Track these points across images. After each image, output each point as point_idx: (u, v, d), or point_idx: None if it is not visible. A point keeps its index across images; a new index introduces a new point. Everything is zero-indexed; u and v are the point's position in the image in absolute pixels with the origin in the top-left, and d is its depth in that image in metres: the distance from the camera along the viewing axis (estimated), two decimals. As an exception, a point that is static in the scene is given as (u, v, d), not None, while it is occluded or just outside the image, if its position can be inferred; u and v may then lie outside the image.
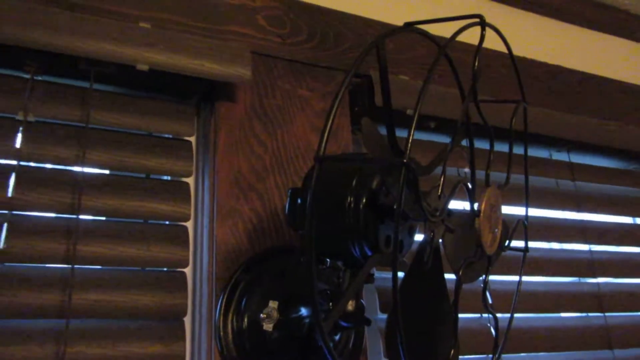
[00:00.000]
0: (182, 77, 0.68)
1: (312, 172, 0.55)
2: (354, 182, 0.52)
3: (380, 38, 0.47)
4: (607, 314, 0.96)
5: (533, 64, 1.10)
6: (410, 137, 0.37)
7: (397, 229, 0.37)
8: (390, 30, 0.48)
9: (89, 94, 0.66)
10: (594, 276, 0.98)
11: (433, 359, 0.46)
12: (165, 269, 0.67)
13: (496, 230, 0.51)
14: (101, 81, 0.68)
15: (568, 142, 1.02)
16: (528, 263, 0.92)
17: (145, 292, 0.63)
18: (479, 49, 0.48)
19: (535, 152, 1.05)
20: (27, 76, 0.64)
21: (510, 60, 0.55)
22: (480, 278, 0.53)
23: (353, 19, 0.90)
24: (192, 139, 0.74)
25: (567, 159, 1.06)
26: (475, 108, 0.53)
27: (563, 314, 0.96)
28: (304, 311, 0.59)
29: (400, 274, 0.46)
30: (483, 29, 0.49)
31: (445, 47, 0.44)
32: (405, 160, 0.36)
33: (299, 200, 0.56)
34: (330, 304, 0.55)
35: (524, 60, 1.09)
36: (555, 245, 1.03)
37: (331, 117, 0.40)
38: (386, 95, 0.51)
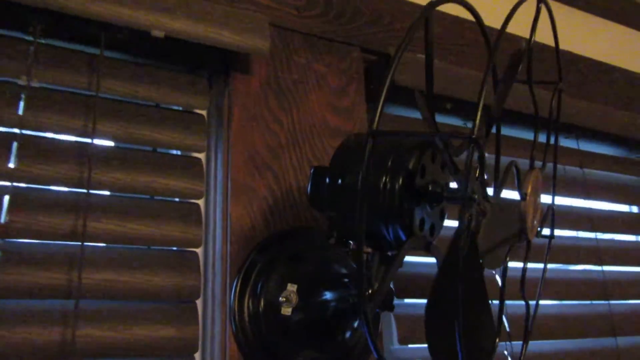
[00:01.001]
0: (197, 46, 0.64)
1: (348, 148, 0.52)
2: (389, 162, 0.49)
3: (429, 7, 0.44)
4: (611, 301, 0.96)
5: (544, 48, 1.08)
6: (479, 113, 0.34)
7: (472, 209, 0.35)
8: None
9: (99, 60, 0.61)
10: (600, 264, 0.98)
11: (478, 349, 0.44)
12: (176, 249, 0.63)
13: (536, 215, 0.49)
14: (111, 47, 0.63)
15: (577, 128, 1.01)
16: (535, 250, 0.91)
17: (156, 273, 0.60)
18: (534, 25, 0.45)
19: (543, 137, 1.03)
20: (31, 38, 0.60)
21: (555, 43, 0.52)
22: (518, 265, 0.52)
23: (370, -7, 0.86)
24: (204, 113, 0.71)
25: (576, 146, 1.05)
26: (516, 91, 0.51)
27: (568, 302, 0.96)
28: (328, 295, 0.57)
29: (431, 261, 0.44)
30: (540, 2, 0.46)
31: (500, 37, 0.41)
32: (473, 136, 0.33)
33: (327, 179, 0.53)
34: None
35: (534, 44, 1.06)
36: (561, 233, 1.02)
37: (385, 87, 0.37)
38: (429, 73, 0.49)
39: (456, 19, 0.94)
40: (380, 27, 0.84)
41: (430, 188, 0.50)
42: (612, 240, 1.03)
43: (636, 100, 1.16)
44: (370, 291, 0.53)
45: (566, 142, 1.06)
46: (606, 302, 0.96)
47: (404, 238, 0.50)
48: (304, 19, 0.78)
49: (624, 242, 1.05)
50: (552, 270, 0.95)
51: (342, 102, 0.77)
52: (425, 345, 0.39)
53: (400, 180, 0.48)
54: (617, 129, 1.03)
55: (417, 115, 0.86)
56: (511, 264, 0.90)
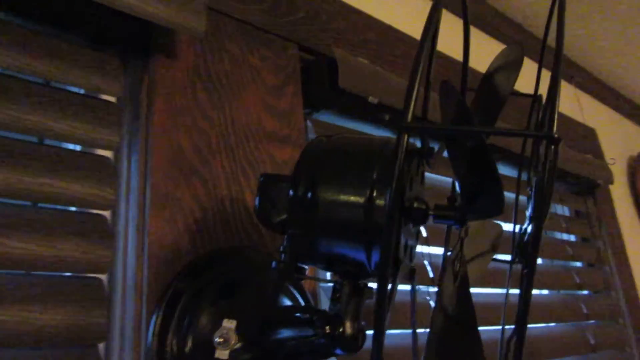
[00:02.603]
0: (110, 13, 0.50)
1: (318, 154, 0.42)
2: (374, 172, 0.40)
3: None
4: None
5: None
6: (557, 109, 0.27)
7: (541, 217, 0.27)
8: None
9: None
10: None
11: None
12: (74, 275, 0.48)
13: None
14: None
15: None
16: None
17: (47, 308, 0.44)
18: (551, 12, 0.39)
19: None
20: None
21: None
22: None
23: (306, -14, 0.77)
24: (114, 100, 0.56)
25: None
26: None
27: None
28: (278, 334, 0.46)
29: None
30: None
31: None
32: (555, 135, 0.26)
33: (291, 192, 0.43)
34: (327, 327, 0.43)
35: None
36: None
37: (418, 73, 0.29)
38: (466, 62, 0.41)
39: (389, 28, 0.89)
40: (317, 25, 0.76)
41: (415, 205, 0.42)
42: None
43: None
44: (341, 329, 0.44)
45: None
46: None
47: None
48: (238, 3, 0.67)
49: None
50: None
51: (279, 104, 0.67)
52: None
53: (387, 195, 0.40)
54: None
55: (360, 126, 0.79)
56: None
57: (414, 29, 0.95)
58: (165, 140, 0.54)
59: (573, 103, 1.41)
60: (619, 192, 1.44)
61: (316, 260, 0.44)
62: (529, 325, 0.86)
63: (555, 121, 0.26)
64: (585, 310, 1.06)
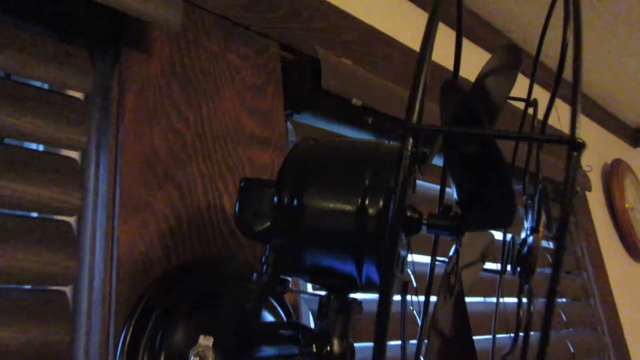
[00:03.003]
0: (79, 3, 0.46)
1: (305, 158, 0.39)
2: (367, 178, 0.37)
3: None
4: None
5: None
6: (578, 111, 0.24)
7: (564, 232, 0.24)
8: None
9: None
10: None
11: None
12: (35, 288, 0.44)
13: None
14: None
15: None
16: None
17: (2, 325, 0.40)
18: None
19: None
20: None
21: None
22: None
23: (288, -17, 0.74)
24: (81, 96, 0.52)
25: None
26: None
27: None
28: (260, 352, 0.43)
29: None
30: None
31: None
32: (579, 140, 0.23)
33: (275, 198, 0.39)
34: (314, 345, 0.39)
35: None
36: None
37: (423, 72, 0.26)
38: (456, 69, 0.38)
39: (371, 28, 0.87)
40: (298, 22, 0.73)
41: (408, 213, 0.39)
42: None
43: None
44: (328, 348, 0.41)
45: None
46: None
47: (376, 279, 0.38)
48: (216, -3, 0.63)
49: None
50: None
51: (259, 104, 0.63)
52: None
53: (381, 203, 0.37)
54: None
55: (342, 128, 0.76)
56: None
57: (395, 30, 0.93)
58: (137, 141, 0.50)
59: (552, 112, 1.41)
60: (594, 199, 1.45)
61: (301, 272, 0.40)
62: (506, 335, 0.84)
63: (578, 125, 0.24)
64: (564, 318, 1.06)
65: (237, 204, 0.44)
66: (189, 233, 0.51)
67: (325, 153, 0.40)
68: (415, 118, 0.26)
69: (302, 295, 0.60)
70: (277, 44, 0.69)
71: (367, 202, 0.36)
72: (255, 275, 0.42)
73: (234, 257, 0.53)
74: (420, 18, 1.05)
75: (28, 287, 0.44)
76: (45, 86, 0.50)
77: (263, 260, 0.43)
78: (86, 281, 0.46)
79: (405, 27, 0.98)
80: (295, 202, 0.38)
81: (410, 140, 0.25)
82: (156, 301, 0.46)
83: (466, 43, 1.18)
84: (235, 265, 0.52)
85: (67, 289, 0.45)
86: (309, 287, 0.64)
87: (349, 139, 0.43)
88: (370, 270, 0.38)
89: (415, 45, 0.96)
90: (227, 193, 0.56)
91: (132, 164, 0.49)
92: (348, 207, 0.37)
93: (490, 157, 0.29)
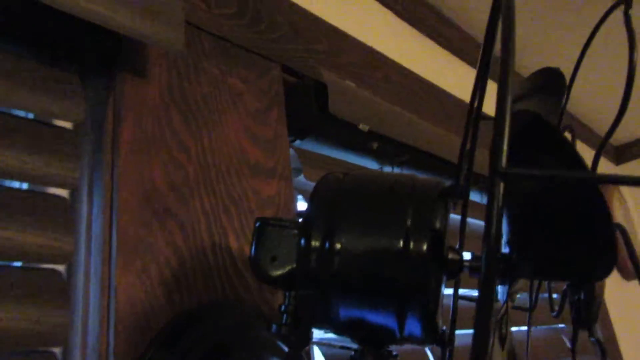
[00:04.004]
0: (68, 22, 0.41)
1: (337, 195, 0.35)
2: (408, 217, 0.33)
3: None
4: None
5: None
6: None
7: None
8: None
9: None
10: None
11: None
12: (22, 350, 0.38)
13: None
14: None
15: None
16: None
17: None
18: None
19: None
20: None
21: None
22: None
23: (287, 6, 0.71)
24: (70, 126, 0.46)
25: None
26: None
27: None
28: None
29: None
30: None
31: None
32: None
33: (302, 241, 0.35)
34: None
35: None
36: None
37: (507, 111, 0.22)
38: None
39: (371, 50, 0.84)
40: (299, 44, 0.69)
41: (450, 255, 0.35)
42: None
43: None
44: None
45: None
46: None
47: (418, 333, 0.34)
48: (215, 17, 0.59)
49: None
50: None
51: (263, 131, 0.59)
52: None
53: (425, 245, 0.32)
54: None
55: (346, 155, 0.72)
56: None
57: (391, 50, 0.90)
58: (134, 175, 0.45)
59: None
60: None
61: (332, 325, 0.36)
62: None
63: None
64: (569, 345, 1.02)
65: (253, 246, 0.39)
66: (194, 277, 0.46)
67: (357, 189, 0.35)
68: (504, 161, 0.22)
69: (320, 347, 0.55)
70: (279, 66, 0.65)
71: (411, 244, 0.32)
72: (274, 327, 0.37)
73: (242, 303, 0.48)
74: (416, 38, 1.02)
75: (21, 347, 0.38)
76: (31, 116, 0.44)
77: (283, 309, 0.38)
78: (78, 338, 0.40)
79: (402, 47, 0.95)
80: (327, 244, 0.34)
81: (502, 185, 0.21)
82: (161, 358, 0.40)
83: (447, 54, 1.16)
84: (244, 312, 0.47)
85: (57, 350, 0.39)
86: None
87: (377, 172, 0.39)
88: (413, 323, 0.33)
89: (413, 66, 0.93)
90: (232, 229, 0.51)
91: (130, 201, 0.44)
92: (389, 250, 0.33)
93: (584, 199, 0.25)
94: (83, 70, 0.47)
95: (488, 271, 0.21)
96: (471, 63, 1.16)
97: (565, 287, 0.39)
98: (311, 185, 0.65)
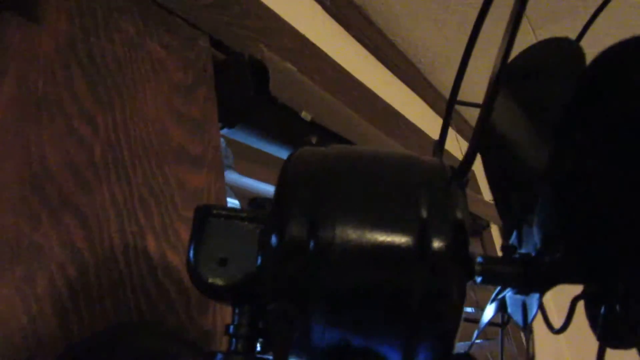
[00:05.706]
0: None
1: (314, 171, 0.26)
2: (423, 206, 0.25)
3: None
4: None
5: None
6: None
7: None
8: None
9: None
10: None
11: None
12: None
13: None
14: None
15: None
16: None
17: None
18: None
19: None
20: None
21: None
22: None
23: (216, -32, 0.60)
24: None
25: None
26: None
27: None
28: None
29: None
30: None
31: None
32: None
33: (273, 238, 0.25)
34: None
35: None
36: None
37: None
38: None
39: (305, 39, 0.76)
40: (230, 16, 0.59)
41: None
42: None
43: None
44: None
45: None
46: None
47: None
48: (133, -35, 0.47)
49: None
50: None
51: (189, 110, 0.48)
52: None
53: (447, 243, 0.24)
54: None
55: (282, 150, 0.62)
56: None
57: (325, 44, 0.83)
58: (16, 149, 0.32)
59: (454, 142, 1.41)
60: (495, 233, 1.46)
61: (310, 354, 0.26)
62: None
63: None
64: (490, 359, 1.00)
65: (192, 245, 0.29)
66: (99, 290, 0.34)
67: (351, 167, 0.26)
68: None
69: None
70: (207, 37, 0.54)
71: (431, 242, 0.24)
72: (219, 357, 0.27)
73: (163, 325, 0.37)
74: (345, 38, 0.96)
75: None
76: None
77: (231, 331, 0.28)
78: None
79: (332, 43, 0.89)
80: (311, 242, 0.24)
81: None
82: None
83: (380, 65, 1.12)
84: (166, 336, 0.36)
85: None
86: None
87: (368, 147, 0.30)
88: (425, 351, 0.25)
89: (345, 63, 0.87)
90: (150, 228, 0.39)
91: (9, 185, 0.31)
92: (398, 251, 0.24)
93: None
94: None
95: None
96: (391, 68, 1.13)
97: (579, 296, 0.33)
98: (244, 181, 0.55)
